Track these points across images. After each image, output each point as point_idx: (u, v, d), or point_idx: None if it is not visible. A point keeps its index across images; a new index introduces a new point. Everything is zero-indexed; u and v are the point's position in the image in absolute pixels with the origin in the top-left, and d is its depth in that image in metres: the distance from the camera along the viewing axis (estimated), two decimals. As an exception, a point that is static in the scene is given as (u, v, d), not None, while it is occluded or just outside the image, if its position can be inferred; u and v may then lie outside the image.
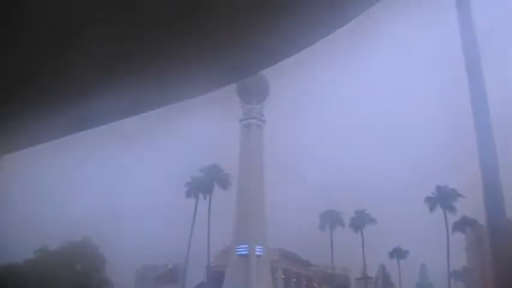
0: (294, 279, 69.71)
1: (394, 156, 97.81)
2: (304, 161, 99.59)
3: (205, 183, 63.35)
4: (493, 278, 14.91)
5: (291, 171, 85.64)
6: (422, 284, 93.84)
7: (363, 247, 72.05)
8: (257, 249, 51.79)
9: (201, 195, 63.85)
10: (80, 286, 38.05)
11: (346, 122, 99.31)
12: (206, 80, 4.96)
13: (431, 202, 66.52)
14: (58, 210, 52.88)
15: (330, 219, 72.01)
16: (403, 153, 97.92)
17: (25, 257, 38.75)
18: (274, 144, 72.80)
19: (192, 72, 4.84)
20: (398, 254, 76.13)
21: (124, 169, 76.76)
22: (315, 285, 72.84)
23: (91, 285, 39.55)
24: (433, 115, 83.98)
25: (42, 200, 51.61)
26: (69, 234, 42.50)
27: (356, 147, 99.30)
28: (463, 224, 59.53)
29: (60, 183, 58.56)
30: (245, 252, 51.91)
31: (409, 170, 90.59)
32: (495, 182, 15.10)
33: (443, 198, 65.53)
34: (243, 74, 5.74)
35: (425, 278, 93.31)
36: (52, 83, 4.70)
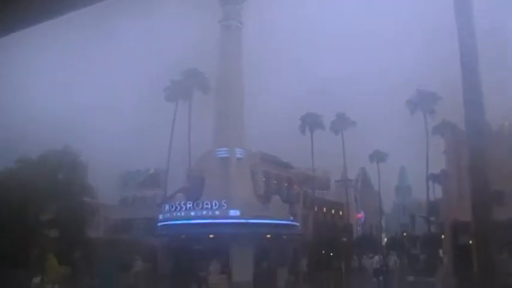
0: (275, 182, 70.59)
1: (375, 61, 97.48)
2: (285, 66, 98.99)
3: (184, 87, 62.71)
4: (469, 180, 14.85)
5: (271, 75, 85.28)
6: (401, 186, 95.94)
7: (343, 150, 72.82)
8: (237, 152, 51.77)
9: (180, 100, 63.45)
10: (62, 193, 38.06)
11: (326, 26, 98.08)
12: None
13: (412, 105, 66.67)
14: (37, 114, 52.33)
15: (310, 122, 72.29)
16: (383, 57, 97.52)
17: (5, 166, 38.54)
18: (254, 47, 71.93)
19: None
20: (378, 157, 77.07)
21: (100, 72, 75.81)
22: (296, 187, 73.90)
23: (72, 192, 39.59)
24: (414, 18, 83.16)
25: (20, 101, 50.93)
26: (50, 141, 42.14)
27: (336, 51, 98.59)
28: (443, 128, 59.82)
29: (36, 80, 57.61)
30: (225, 155, 51.86)
31: (389, 73, 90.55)
32: (475, 84, 14.73)
33: (423, 102, 65.64)
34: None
35: (404, 181, 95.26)
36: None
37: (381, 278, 47.04)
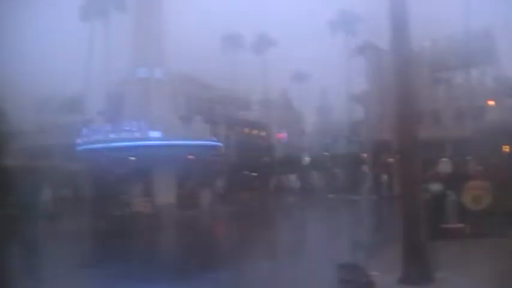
0: (196, 103, 69.92)
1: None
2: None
3: (100, 6, 60.26)
4: (393, 100, 14.77)
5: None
6: (322, 107, 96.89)
7: (264, 71, 72.60)
8: (157, 72, 50.37)
9: (97, 20, 61.06)
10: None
11: None
12: None
13: (333, 25, 66.70)
14: None
15: (231, 42, 71.52)
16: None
17: None
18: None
19: None
20: (299, 77, 77.29)
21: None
22: (217, 107, 73.58)
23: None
24: None
25: None
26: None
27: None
28: (365, 48, 60.18)
29: None
30: (145, 75, 50.30)
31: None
32: (402, 6, 14.37)
33: (345, 22, 65.75)
34: None
35: (326, 101, 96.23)
36: None
37: (301, 196, 48.06)
